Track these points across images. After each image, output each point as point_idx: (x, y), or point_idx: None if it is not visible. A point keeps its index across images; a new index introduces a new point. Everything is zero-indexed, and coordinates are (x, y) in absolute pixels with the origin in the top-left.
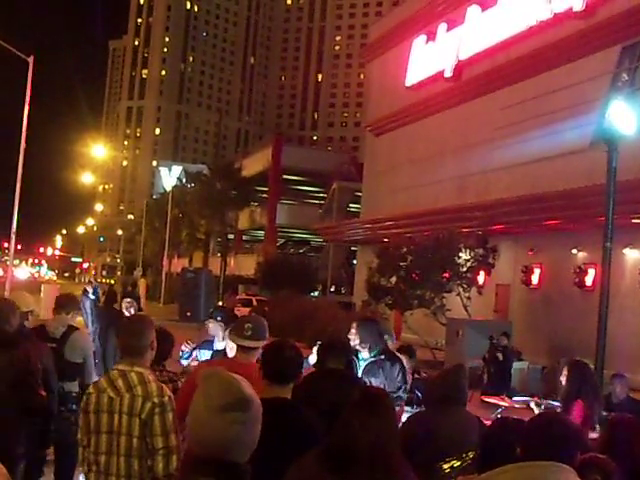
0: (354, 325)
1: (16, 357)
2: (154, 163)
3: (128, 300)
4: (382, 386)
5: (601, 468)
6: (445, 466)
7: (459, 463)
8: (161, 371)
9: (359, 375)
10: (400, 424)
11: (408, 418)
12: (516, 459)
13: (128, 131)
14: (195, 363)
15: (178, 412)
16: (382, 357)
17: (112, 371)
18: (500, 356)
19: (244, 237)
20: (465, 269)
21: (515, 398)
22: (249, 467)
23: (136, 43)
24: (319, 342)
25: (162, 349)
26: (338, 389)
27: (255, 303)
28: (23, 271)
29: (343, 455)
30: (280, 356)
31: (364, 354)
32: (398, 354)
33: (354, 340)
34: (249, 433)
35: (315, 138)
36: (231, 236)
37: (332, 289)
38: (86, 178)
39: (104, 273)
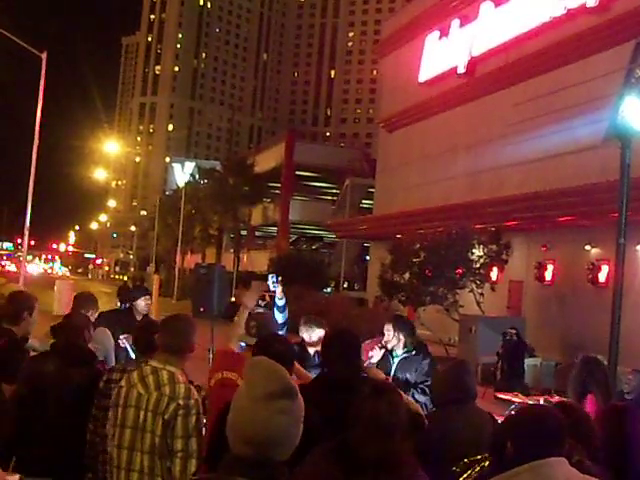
0: (389, 323)
1: (94, 372)
2: (167, 159)
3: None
4: (413, 380)
5: (578, 450)
6: (458, 470)
7: (472, 470)
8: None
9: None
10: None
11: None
12: (507, 455)
13: (141, 127)
14: None
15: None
16: (413, 352)
17: (145, 366)
18: (513, 333)
19: (257, 233)
20: (478, 265)
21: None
22: (286, 468)
23: (149, 39)
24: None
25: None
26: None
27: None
28: (34, 267)
29: (349, 450)
30: (269, 350)
31: (398, 351)
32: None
33: (390, 337)
34: (294, 426)
35: (328, 134)
36: (244, 232)
37: (345, 285)
38: (99, 174)
39: (117, 269)
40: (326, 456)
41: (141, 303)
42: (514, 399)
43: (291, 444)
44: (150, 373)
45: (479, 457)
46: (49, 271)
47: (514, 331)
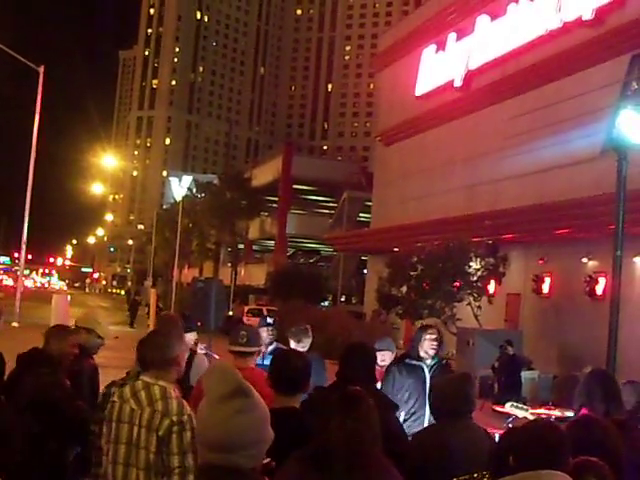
0: (432, 332)
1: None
2: (164, 173)
3: None
4: None
5: (596, 470)
6: None
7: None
8: None
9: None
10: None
11: (418, 433)
12: (509, 468)
13: (138, 141)
14: None
15: None
16: (442, 362)
17: (137, 381)
18: (510, 350)
19: (254, 247)
20: (476, 278)
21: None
22: (254, 474)
23: (146, 53)
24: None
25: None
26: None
27: (265, 313)
28: (30, 281)
29: (322, 455)
30: (287, 366)
31: (428, 361)
32: None
33: (430, 348)
34: (255, 427)
35: (325, 148)
36: (241, 246)
37: (342, 299)
38: (96, 188)
39: (114, 283)
40: (300, 459)
41: (190, 337)
42: (511, 412)
43: (256, 447)
44: (142, 388)
45: (475, 475)
46: (46, 285)
47: (510, 346)
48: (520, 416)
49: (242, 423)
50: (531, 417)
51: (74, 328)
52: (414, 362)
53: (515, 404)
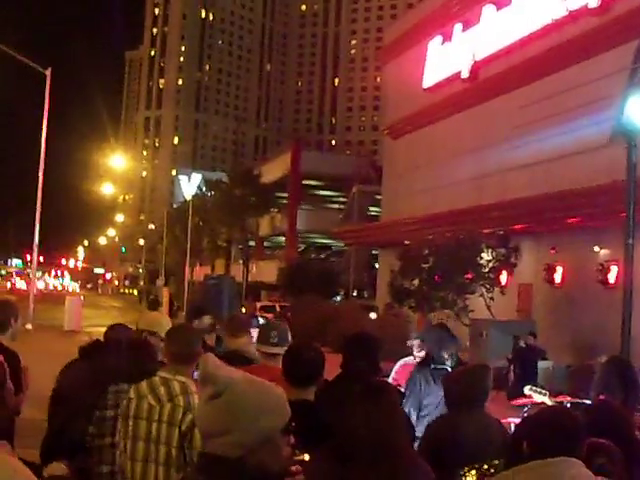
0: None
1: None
2: (173, 172)
3: None
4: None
5: (606, 452)
6: (469, 473)
7: (484, 468)
8: None
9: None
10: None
11: (431, 423)
12: (523, 455)
13: (147, 141)
14: None
15: None
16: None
17: (154, 378)
18: (532, 338)
19: (265, 243)
20: (487, 269)
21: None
22: (245, 464)
23: (152, 53)
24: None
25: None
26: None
27: (278, 309)
28: (42, 284)
29: (347, 446)
30: (300, 358)
31: (449, 362)
32: None
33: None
34: (220, 414)
35: (333, 143)
36: (252, 243)
37: (354, 293)
38: (106, 189)
39: (127, 283)
40: (326, 450)
41: (206, 321)
42: (529, 400)
43: (231, 434)
44: (161, 384)
45: (487, 463)
46: (59, 288)
47: (531, 336)
48: (539, 400)
49: (207, 410)
50: (549, 402)
51: (137, 330)
52: (439, 366)
53: (534, 388)
